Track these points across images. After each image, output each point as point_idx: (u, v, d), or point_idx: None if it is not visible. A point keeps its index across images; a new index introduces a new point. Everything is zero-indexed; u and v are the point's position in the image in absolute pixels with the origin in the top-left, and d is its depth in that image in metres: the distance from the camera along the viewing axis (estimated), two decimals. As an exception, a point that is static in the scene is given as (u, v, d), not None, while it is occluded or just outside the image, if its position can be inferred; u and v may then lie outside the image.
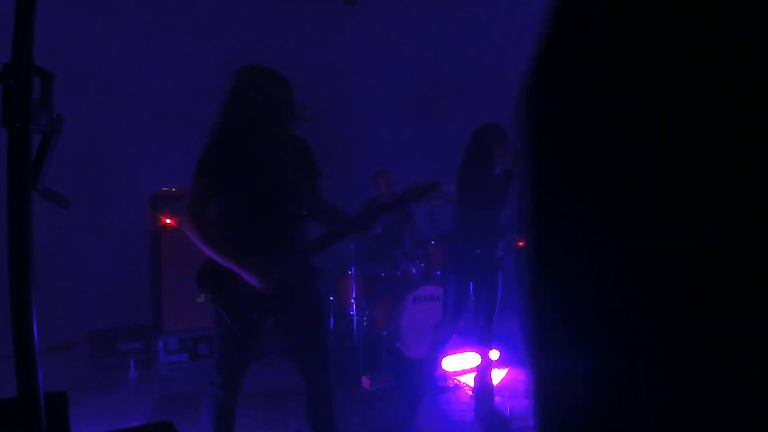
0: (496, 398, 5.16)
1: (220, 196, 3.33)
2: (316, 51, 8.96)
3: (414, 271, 6.80)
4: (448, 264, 5.04)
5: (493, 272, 4.97)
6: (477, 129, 4.91)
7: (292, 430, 4.83)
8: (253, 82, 3.29)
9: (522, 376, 5.95)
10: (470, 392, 5.25)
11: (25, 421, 1.21)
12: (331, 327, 7.43)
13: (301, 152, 3.54)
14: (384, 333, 6.37)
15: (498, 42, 9.81)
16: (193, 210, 3.26)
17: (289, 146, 3.48)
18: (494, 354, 6.14)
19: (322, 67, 9.12)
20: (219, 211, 3.37)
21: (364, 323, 6.57)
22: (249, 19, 8.44)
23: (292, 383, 5.78)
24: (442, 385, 5.81)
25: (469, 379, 5.69)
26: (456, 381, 5.89)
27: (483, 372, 4.97)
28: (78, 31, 7.36)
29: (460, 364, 6.09)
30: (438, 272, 6.76)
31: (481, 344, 4.95)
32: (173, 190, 6.76)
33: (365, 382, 5.82)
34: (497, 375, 5.94)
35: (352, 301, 6.89)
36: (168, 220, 6.61)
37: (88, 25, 7.51)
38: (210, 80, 7.78)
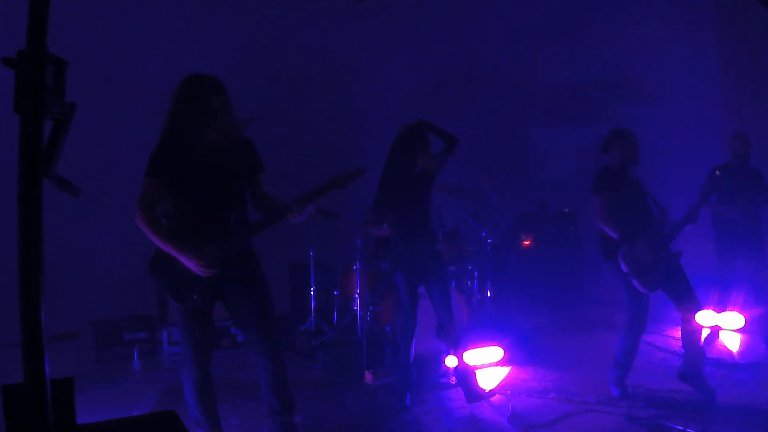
0: (497, 396, 5.20)
1: (169, 191, 3.78)
2: (325, 47, 8.95)
3: (419, 267, 6.81)
4: (394, 263, 5.22)
5: (439, 264, 5.18)
6: (399, 133, 5.18)
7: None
8: (188, 89, 3.64)
9: (524, 374, 5.96)
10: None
11: (32, 406, 1.22)
12: (335, 322, 7.44)
13: (243, 150, 3.88)
14: (388, 329, 6.38)
15: (503, 42, 9.81)
16: (142, 204, 3.76)
17: (231, 146, 3.80)
18: (497, 353, 6.16)
19: (332, 64, 9.11)
20: (169, 204, 3.81)
21: (368, 318, 6.58)
22: (257, 15, 8.44)
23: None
24: (444, 381, 5.82)
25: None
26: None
27: (463, 374, 5.18)
28: (89, 23, 7.37)
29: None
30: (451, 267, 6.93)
31: (454, 346, 5.17)
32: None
33: (368, 376, 5.83)
34: (500, 373, 5.95)
35: (357, 296, 6.90)
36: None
37: (99, 18, 7.52)
38: (220, 76, 7.80)
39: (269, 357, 3.90)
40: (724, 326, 7.15)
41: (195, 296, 3.76)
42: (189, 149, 3.70)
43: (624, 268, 4.93)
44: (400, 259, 5.14)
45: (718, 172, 5.45)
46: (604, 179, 5.22)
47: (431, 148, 5.16)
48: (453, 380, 5.83)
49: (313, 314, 7.42)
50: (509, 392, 5.49)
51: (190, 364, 3.95)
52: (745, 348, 6.74)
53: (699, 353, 5.21)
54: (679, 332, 5.35)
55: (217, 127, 3.67)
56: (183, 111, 3.63)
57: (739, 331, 7.20)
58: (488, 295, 7.50)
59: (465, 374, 5.20)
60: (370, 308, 6.67)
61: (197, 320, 3.89)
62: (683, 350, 5.29)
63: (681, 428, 4.54)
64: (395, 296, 6.45)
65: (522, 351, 6.53)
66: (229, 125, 3.75)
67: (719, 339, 6.99)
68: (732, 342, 6.95)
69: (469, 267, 7.44)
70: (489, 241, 7.52)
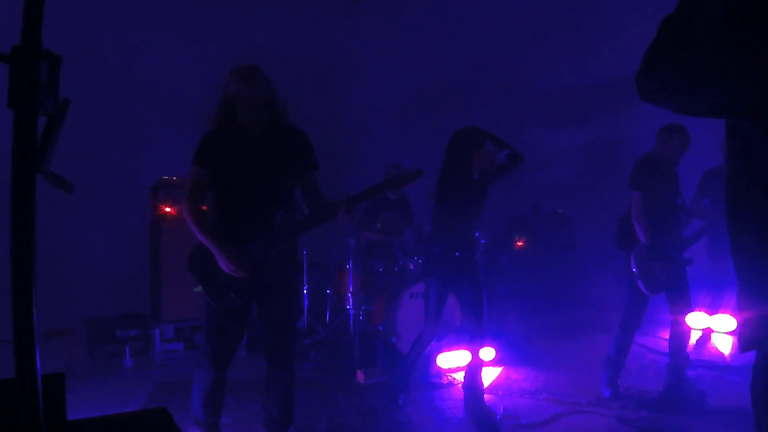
0: (488, 396, 5.17)
1: (215, 183, 3.62)
2: (324, 47, 8.96)
3: (412, 267, 6.81)
4: (429, 267, 5.08)
5: (474, 273, 5.02)
6: (454, 134, 4.97)
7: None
8: (238, 75, 3.51)
9: (516, 375, 5.97)
10: (462, 389, 5.27)
11: (23, 401, 1.22)
12: (328, 321, 7.45)
13: (296, 145, 3.72)
14: (380, 328, 6.38)
15: (500, 43, 9.82)
16: (189, 195, 3.56)
17: (283, 139, 3.67)
18: (489, 353, 6.16)
19: (331, 63, 9.12)
20: (214, 197, 3.65)
21: (361, 317, 6.58)
22: (256, 15, 8.44)
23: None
24: (435, 381, 5.83)
25: (462, 376, 5.69)
26: (450, 378, 5.91)
27: (472, 370, 4.99)
28: (85, 21, 7.37)
29: (455, 361, 6.11)
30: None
31: (473, 342, 4.97)
32: (174, 179, 6.76)
33: (360, 376, 5.83)
34: (491, 373, 5.96)
35: (350, 295, 6.91)
36: (168, 209, 6.62)
37: (96, 15, 7.51)
38: (213, 73, 7.82)
39: (278, 366, 3.80)
40: (716, 329, 7.17)
41: (233, 295, 3.60)
42: (237, 139, 3.57)
43: (633, 268, 4.96)
44: (435, 265, 5.00)
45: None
46: (642, 173, 5.14)
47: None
48: (445, 380, 5.84)
49: (306, 313, 7.42)
50: (501, 392, 5.50)
51: (208, 366, 3.75)
52: (736, 350, 6.77)
53: (684, 358, 5.24)
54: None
55: (266, 115, 3.58)
56: (233, 96, 3.51)
57: (730, 333, 7.23)
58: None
59: (474, 392, 5.03)
60: (363, 307, 6.68)
61: (231, 320, 3.71)
62: (669, 355, 5.31)
63: (672, 430, 4.56)
64: (387, 295, 6.46)
65: (514, 352, 6.54)
66: (280, 115, 3.66)
67: (711, 341, 7.02)
68: (724, 344, 6.98)
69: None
70: (482, 242, 7.52)
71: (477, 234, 5.15)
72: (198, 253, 3.62)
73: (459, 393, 5.47)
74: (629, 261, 5.00)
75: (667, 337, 5.35)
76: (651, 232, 4.98)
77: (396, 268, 6.92)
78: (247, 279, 3.54)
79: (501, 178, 5.11)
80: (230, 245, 3.49)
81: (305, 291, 7.41)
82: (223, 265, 3.48)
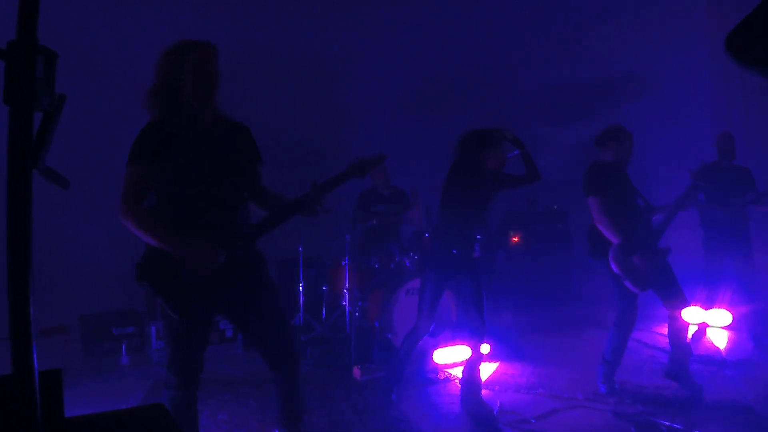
0: (485, 391, 5.18)
1: (156, 182, 3.17)
2: (321, 45, 8.94)
3: (408, 263, 6.81)
4: (427, 261, 5.11)
5: (471, 270, 5.00)
6: (465, 135, 5.01)
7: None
8: (193, 54, 3.13)
9: (512, 370, 5.98)
10: (459, 384, 5.28)
11: (20, 397, 1.22)
12: (324, 317, 7.45)
13: (240, 138, 3.40)
14: (376, 324, 6.39)
15: (494, 40, 9.82)
16: (129, 197, 3.11)
17: (231, 131, 3.35)
18: (485, 348, 6.16)
19: (328, 61, 9.10)
20: (157, 197, 3.22)
21: (357, 314, 6.58)
22: (254, 12, 8.43)
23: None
24: (432, 377, 5.83)
25: (458, 372, 5.69)
26: (446, 374, 5.91)
27: (472, 365, 4.99)
28: (84, 16, 7.34)
29: (451, 357, 6.11)
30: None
31: (473, 337, 4.96)
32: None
33: (356, 372, 5.83)
34: (487, 369, 5.96)
35: (345, 291, 6.90)
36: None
37: (94, 12, 7.49)
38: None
39: (287, 369, 3.49)
40: (712, 323, 7.19)
41: (195, 305, 3.18)
42: (184, 130, 3.14)
43: (615, 269, 4.95)
44: (432, 261, 5.03)
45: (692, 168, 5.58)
46: (596, 178, 5.20)
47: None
48: (441, 376, 5.85)
49: (301, 310, 7.42)
50: (497, 388, 5.51)
51: (173, 388, 3.34)
52: (732, 345, 6.79)
53: (685, 351, 5.24)
54: (667, 329, 5.39)
55: (213, 103, 3.20)
56: (182, 78, 3.10)
57: (726, 328, 7.24)
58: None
59: (472, 387, 5.03)
60: (359, 304, 6.68)
61: (196, 329, 3.30)
62: (670, 348, 5.33)
63: (668, 424, 4.57)
64: (383, 292, 6.46)
65: (510, 347, 6.55)
66: (218, 105, 3.27)
67: (707, 336, 7.03)
68: (719, 339, 6.99)
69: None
70: (477, 237, 7.52)
71: (478, 236, 5.14)
72: (152, 259, 3.19)
73: (455, 389, 5.48)
74: (609, 266, 5.00)
75: (664, 332, 5.37)
76: (618, 229, 5.00)
77: (392, 265, 6.92)
78: (212, 286, 3.16)
79: (513, 187, 5.21)
80: (192, 237, 3.09)
81: (300, 287, 7.40)
82: (200, 256, 3.07)
